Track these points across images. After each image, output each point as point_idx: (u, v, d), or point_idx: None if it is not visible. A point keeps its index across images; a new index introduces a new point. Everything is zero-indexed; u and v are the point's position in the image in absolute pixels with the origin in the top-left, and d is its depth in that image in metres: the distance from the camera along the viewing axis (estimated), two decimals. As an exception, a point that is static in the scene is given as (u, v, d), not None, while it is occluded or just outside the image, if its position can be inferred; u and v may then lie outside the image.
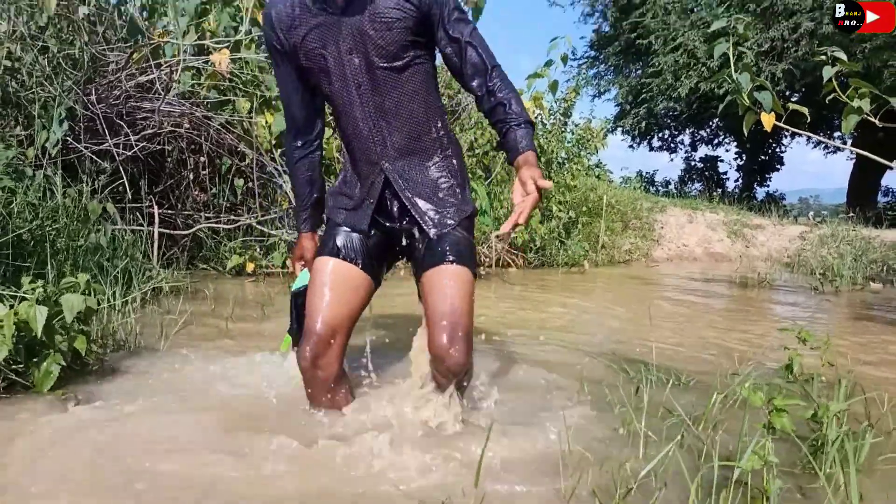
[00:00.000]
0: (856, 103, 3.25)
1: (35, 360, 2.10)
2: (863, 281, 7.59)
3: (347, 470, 1.61)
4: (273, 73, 1.84)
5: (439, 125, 1.80)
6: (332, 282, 1.80)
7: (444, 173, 1.81)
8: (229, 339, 3.17)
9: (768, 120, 3.08)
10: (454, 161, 1.85)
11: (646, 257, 10.07)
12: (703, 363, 3.17)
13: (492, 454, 1.64)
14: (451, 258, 1.73)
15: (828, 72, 3.19)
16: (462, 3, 5.19)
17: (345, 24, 1.63)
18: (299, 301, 2.03)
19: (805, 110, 3.13)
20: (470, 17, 1.73)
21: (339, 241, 1.84)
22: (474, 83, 1.74)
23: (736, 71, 3.09)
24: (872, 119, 3.29)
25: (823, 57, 3.24)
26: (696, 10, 16.75)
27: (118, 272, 3.54)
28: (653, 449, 1.81)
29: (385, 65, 1.65)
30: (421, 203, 1.77)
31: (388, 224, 1.85)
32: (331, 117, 2.05)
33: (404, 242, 1.85)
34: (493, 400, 2.08)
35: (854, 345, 4.00)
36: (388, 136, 1.73)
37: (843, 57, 3.17)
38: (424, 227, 1.77)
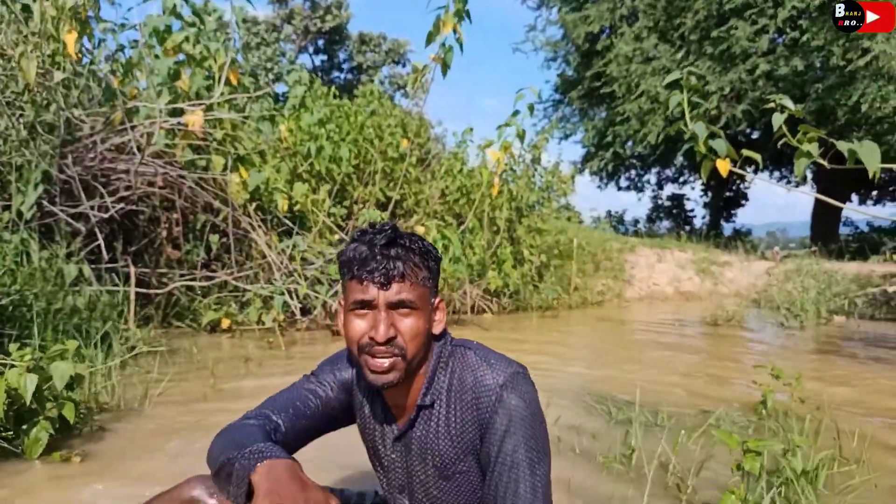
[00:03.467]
0: (805, 147, 3.43)
1: (24, 427, 2.11)
2: (826, 315, 7.81)
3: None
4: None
5: None
6: None
7: None
8: (214, 400, 3.18)
9: (724, 166, 3.24)
10: None
11: (618, 297, 10.22)
12: (680, 402, 3.26)
13: None
14: None
15: (777, 119, 3.37)
16: (429, 62, 5.33)
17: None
18: None
19: (757, 156, 3.30)
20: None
21: None
22: None
23: (691, 121, 3.26)
24: (822, 162, 3.48)
25: (773, 105, 3.43)
26: (656, 57, 17.34)
27: (98, 335, 3.54)
28: (637, 490, 1.88)
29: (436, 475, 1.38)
30: None
31: None
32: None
33: None
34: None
35: (820, 377, 4.14)
36: None
37: (791, 105, 3.36)
38: None
